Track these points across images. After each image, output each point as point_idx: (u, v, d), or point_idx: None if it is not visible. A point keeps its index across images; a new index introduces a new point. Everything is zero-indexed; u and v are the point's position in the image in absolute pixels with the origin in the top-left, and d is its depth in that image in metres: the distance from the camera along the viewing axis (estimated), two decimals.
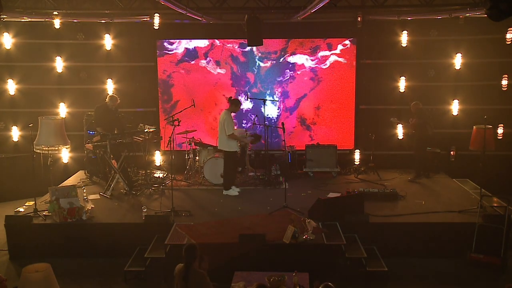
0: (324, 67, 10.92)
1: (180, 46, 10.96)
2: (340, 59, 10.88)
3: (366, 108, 10.92)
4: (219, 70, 11.01)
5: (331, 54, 10.88)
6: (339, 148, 10.49)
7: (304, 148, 10.46)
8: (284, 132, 8.57)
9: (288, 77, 10.99)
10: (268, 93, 10.99)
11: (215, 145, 9.96)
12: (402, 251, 7.46)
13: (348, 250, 6.92)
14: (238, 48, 10.93)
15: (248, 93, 10.75)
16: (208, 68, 11.01)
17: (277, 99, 10.96)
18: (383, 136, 10.60)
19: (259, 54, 10.91)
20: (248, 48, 10.74)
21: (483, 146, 8.04)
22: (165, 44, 10.93)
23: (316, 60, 10.91)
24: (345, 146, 10.97)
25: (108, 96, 9.44)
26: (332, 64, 10.91)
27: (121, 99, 10.81)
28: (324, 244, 6.85)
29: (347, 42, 10.82)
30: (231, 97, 9.39)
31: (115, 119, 9.46)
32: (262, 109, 10.13)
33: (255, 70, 10.98)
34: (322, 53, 10.89)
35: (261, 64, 10.97)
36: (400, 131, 10.79)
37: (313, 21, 10.47)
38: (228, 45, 10.93)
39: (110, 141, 8.88)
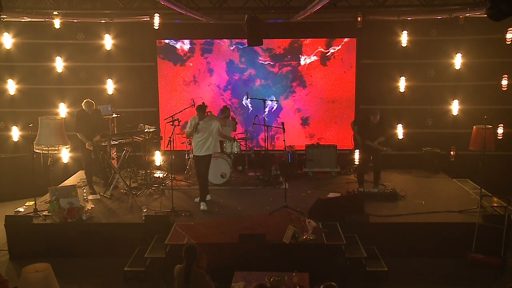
0: (324, 66, 10.93)
1: (180, 46, 10.97)
2: (340, 59, 10.89)
3: (366, 108, 10.90)
4: (218, 70, 11.01)
5: (331, 54, 10.88)
6: (339, 148, 10.48)
7: (304, 148, 10.46)
8: (284, 132, 8.57)
9: (288, 77, 10.99)
10: (268, 93, 10.98)
11: None
12: (402, 251, 7.46)
13: (348, 250, 6.91)
14: (238, 48, 10.93)
15: (248, 93, 10.74)
16: (207, 68, 11.01)
17: (277, 99, 10.95)
18: None
19: (259, 54, 10.91)
20: (248, 48, 10.73)
21: (483, 146, 8.04)
22: (167, 41, 10.93)
23: (316, 59, 10.91)
24: (345, 146, 10.94)
25: (84, 101, 9.09)
26: (332, 64, 10.91)
27: (121, 99, 10.89)
28: (324, 244, 6.84)
29: (347, 42, 10.83)
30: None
31: (95, 124, 9.18)
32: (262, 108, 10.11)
33: (255, 70, 10.98)
34: (322, 53, 10.89)
35: (261, 64, 10.97)
36: (400, 131, 10.81)
37: (313, 21, 10.47)
38: (228, 45, 10.94)
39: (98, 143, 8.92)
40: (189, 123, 8.51)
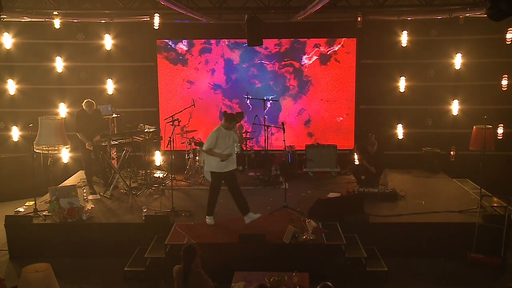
0: (325, 66, 10.93)
1: (180, 46, 10.97)
2: (339, 59, 10.89)
3: (366, 108, 10.92)
4: (218, 70, 11.01)
5: (331, 54, 10.88)
6: (339, 148, 10.48)
7: (304, 148, 10.46)
8: (284, 132, 8.56)
9: (288, 77, 10.99)
10: (268, 93, 10.98)
11: None
12: (402, 251, 7.46)
13: (348, 250, 6.91)
14: (238, 48, 10.93)
15: (248, 93, 10.73)
16: (207, 68, 11.02)
17: (277, 99, 10.95)
18: (383, 136, 10.58)
19: (259, 54, 10.91)
20: (247, 48, 10.72)
21: (483, 146, 8.05)
22: (166, 41, 10.93)
23: (316, 60, 10.91)
24: (345, 146, 10.97)
25: (84, 101, 9.06)
26: (331, 64, 10.91)
27: (121, 99, 10.89)
28: (324, 244, 6.84)
29: (347, 42, 10.83)
30: (225, 111, 8.09)
31: (95, 124, 9.15)
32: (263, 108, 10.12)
33: (255, 69, 10.98)
34: (322, 53, 10.89)
35: (261, 64, 10.96)
36: (400, 131, 10.82)
37: (313, 21, 10.47)
38: (228, 45, 10.94)
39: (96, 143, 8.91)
40: (213, 139, 7.19)
